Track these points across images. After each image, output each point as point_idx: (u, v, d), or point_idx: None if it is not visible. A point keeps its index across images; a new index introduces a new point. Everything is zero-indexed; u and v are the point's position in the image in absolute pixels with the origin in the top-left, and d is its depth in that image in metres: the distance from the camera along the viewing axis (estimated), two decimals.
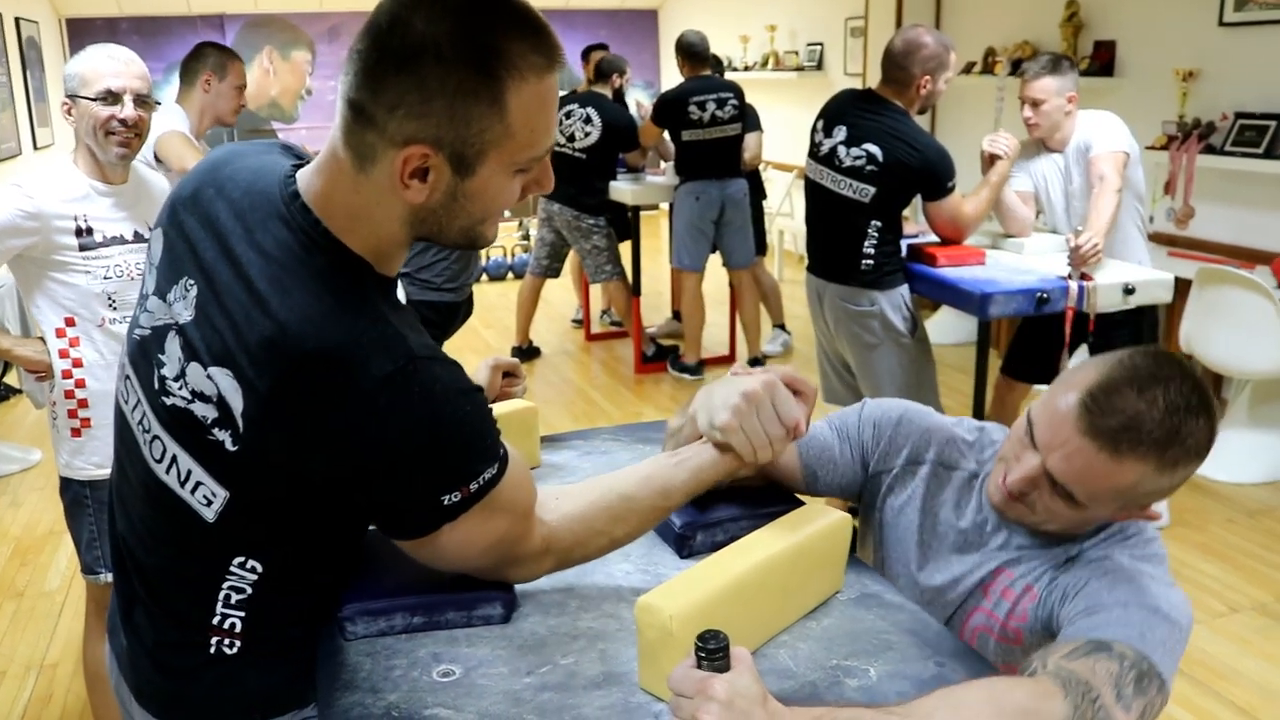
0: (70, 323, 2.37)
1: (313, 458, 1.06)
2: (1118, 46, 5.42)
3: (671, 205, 5.78)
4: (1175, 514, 4.00)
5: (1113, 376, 1.23)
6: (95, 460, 2.39)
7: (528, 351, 6.26)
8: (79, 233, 2.32)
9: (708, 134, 5.43)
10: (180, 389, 1.12)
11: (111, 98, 2.31)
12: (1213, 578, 3.56)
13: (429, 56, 1.00)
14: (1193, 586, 3.50)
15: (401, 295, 3.77)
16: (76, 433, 2.41)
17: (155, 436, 1.17)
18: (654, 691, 1.08)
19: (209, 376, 1.08)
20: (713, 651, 0.95)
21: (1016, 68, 5.97)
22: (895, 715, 0.98)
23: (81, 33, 9.14)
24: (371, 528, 1.22)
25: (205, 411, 1.09)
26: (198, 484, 1.13)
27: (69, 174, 2.37)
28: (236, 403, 1.06)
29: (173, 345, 1.13)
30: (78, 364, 2.38)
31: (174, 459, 1.15)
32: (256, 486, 1.11)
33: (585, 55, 6.55)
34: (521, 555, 1.19)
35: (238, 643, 1.19)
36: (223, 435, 1.09)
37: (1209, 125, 4.88)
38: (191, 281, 1.13)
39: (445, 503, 1.09)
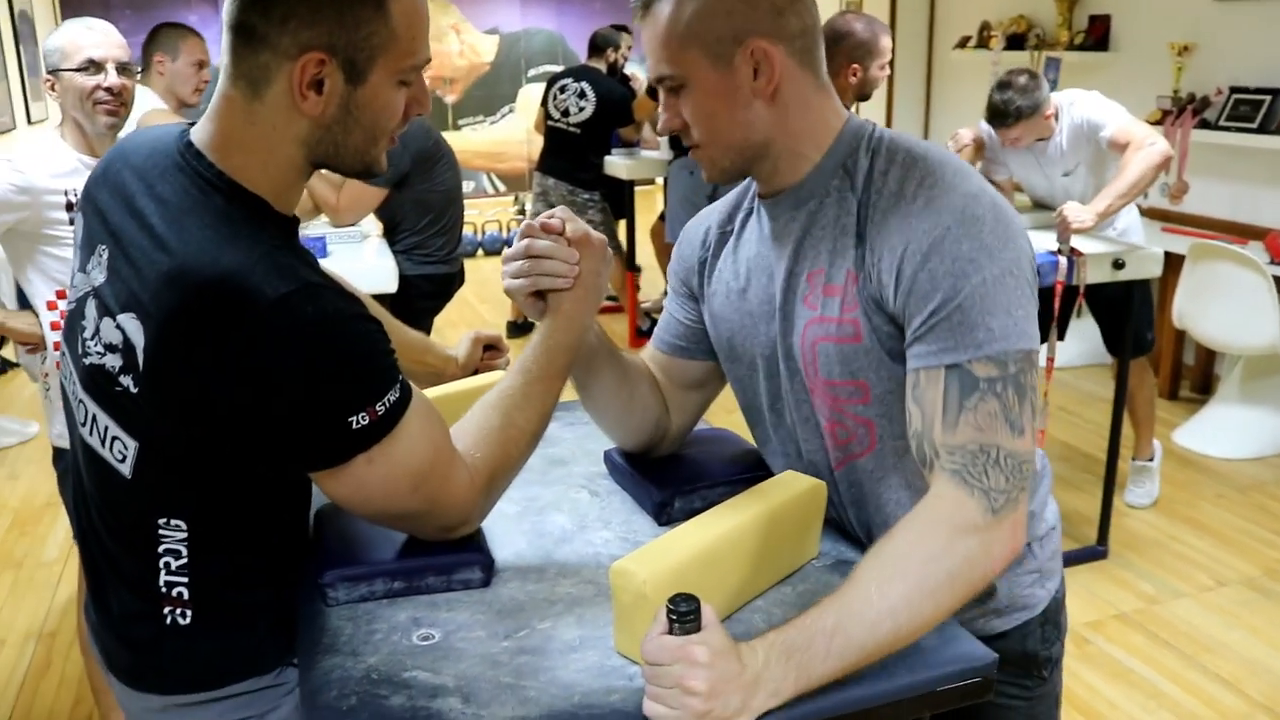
0: (61, 295, 2.38)
1: (213, 385, 1.06)
2: (1113, 20, 5.41)
3: (666, 179, 5.78)
4: (1166, 489, 4.03)
5: None
6: None
7: (522, 326, 6.27)
8: (69, 206, 2.34)
9: None
10: (95, 346, 1.15)
11: (94, 67, 2.32)
12: (1201, 552, 3.59)
13: None
14: (1181, 561, 3.53)
15: (393, 269, 3.73)
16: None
17: (80, 400, 1.20)
18: (629, 655, 1.10)
19: (118, 326, 1.12)
20: (684, 614, 0.97)
21: (1012, 43, 5.95)
22: (828, 612, 1.04)
23: (74, 6, 9.08)
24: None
25: (114, 362, 1.12)
26: (114, 439, 1.16)
27: (57, 148, 2.38)
28: (139, 341, 1.09)
29: (90, 308, 1.17)
30: None
31: (94, 418, 1.18)
32: (161, 430, 1.12)
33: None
34: (453, 489, 1.19)
35: (189, 612, 1.20)
36: (127, 381, 1.11)
37: (1203, 100, 4.87)
38: (104, 246, 1.18)
39: (354, 426, 1.09)
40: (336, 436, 1.10)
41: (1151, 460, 3.95)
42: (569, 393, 1.49)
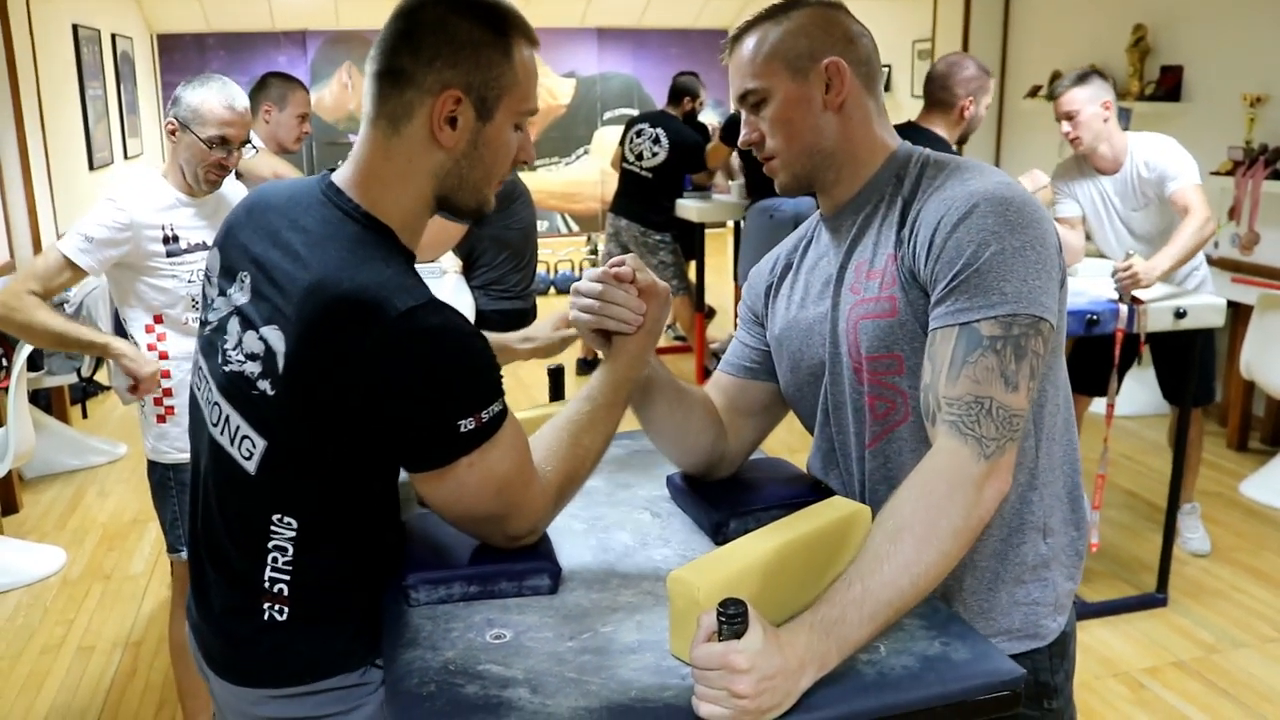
0: (159, 320, 2.57)
1: (342, 386, 1.20)
2: (1185, 71, 5.43)
3: (738, 223, 5.90)
4: (1231, 539, 4.02)
5: None
6: (179, 445, 2.57)
7: (593, 364, 6.40)
8: (166, 240, 2.53)
9: None
10: (236, 354, 1.30)
11: (223, 145, 2.50)
12: (1264, 602, 3.57)
13: (455, 18, 1.26)
14: (1243, 610, 3.52)
15: (470, 305, 3.84)
16: (162, 419, 2.60)
17: (215, 403, 1.35)
18: (683, 657, 1.19)
19: (261, 337, 1.26)
20: (733, 617, 1.07)
21: None
22: (853, 582, 1.15)
23: (172, 48, 9.51)
24: (422, 511, 1.35)
25: (254, 368, 1.27)
26: (243, 438, 1.30)
27: (157, 186, 2.57)
28: (280, 347, 1.23)
29: (233, 324, 1.32)
30: (164, 356, 2.58)
31: (226, 419, 1.32)
32: (290, 430, 1.26)
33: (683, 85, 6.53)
34: (529, 497, 1.32)
35: (285, 609, 1.33)
36: (264, 384, 1.26)
37: (1275, 151, 4.87)
38: (245, 273, 1.33)
39: (461, 429, 1.22)
40: (446, 438, 1.23)
41: (1193, 501, 4.01)
42: (634, 423, 1.60)
